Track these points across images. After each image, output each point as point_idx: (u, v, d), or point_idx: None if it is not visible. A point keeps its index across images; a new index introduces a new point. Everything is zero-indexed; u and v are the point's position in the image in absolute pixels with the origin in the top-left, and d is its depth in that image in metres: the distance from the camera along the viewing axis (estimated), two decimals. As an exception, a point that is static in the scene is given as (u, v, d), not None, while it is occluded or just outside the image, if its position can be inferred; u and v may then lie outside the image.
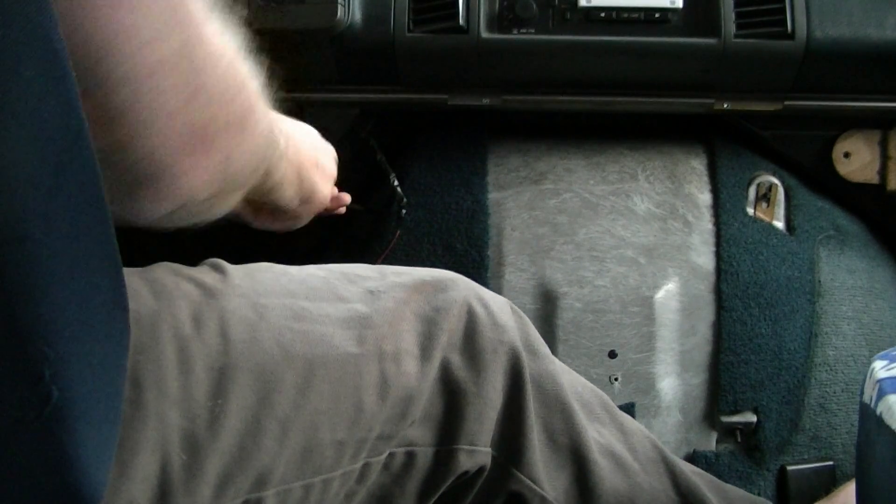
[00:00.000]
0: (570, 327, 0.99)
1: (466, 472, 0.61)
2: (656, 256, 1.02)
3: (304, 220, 0.67)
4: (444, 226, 1.05)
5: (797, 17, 0.92)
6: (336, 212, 0.76)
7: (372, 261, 1.03)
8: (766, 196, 1.07)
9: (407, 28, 0.95)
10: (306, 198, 0.62)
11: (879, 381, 0.52)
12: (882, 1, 0.93)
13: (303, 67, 0.98)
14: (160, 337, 0.47)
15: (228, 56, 0.41)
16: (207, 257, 0.57)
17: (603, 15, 0.94)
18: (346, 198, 0.75)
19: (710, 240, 1.03)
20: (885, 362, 0.54)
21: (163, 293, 0.50)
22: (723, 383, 0.97)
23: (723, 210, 1.04)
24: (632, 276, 1.00)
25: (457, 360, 0.60)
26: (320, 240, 1.12)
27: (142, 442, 0.44)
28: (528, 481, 0.64)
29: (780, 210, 1.08)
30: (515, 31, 0.95)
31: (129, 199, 0.39)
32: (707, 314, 1.00)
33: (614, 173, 1.08)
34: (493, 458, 0.63)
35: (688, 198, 1.06)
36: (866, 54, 0.93)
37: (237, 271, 0.55)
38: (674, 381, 0.98)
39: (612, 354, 0.98)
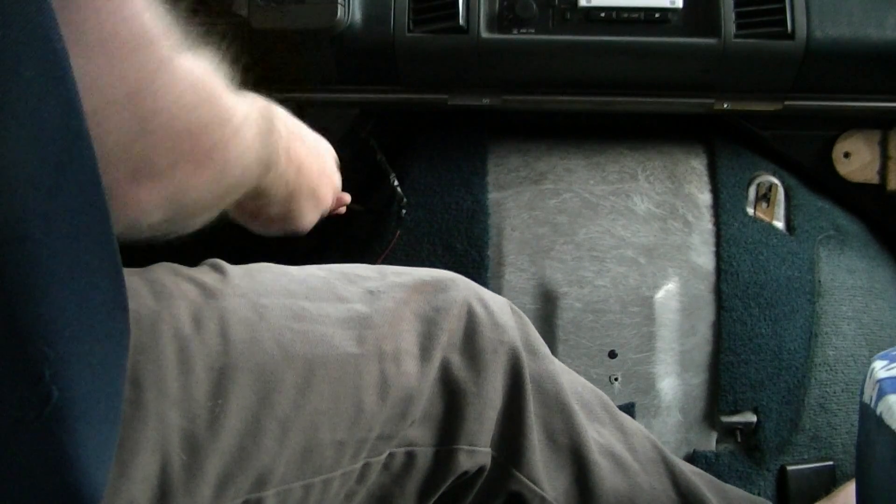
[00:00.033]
0: (570, 327, 0.99)
1: (466, 473, 0.61)
2: (656, 256, 1.02)
3: (307, 228, 0.67)
4: (444, 226, 1.05)
5: (797, 17, 0.92)
6: (336, 212, 0.76)
7: (372, 261, 1.03)
8: (766, 196, 1.07)
9: (407, 28, 0.95)
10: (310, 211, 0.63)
11: (879, 381, 0.52)
12: (882, 1, 0.93)
13: (303, 67, 0.98)
14: (160, 337, 0.47)
15: (190, 99, 0.40)
16: (207, 257, 0.57)
17: (603, 15, 0.94)
18: (347, 198, 0.75)
19: (710, 240, 1.03)
20: (885, 362, 0.54)
21: (163, 293, 0.50)
22: (723, 383, 0.97)
23: (723, 210, 1.04)
24: (632, 276, 1.00)
25: (457, 361, 0.60)
26: (320, 240, 1.12)
27: (142, 442, 0.44)
28: (528, 482, 0.64)
29: (780, 210, 1.08)
30: (515, 31, 0.95)
31: None
32: (707, 314, 1.00)
33: (614, 173, 1.08)
34: (493, 458, 0.63)
35: (688, 198, 1.06)
36: (866, 54, 0.93)
37: (237, 271, 0.55)
38: (674, 381, 0.98)
39: (612, 354, 0.98)
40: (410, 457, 0.58)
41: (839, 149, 1.06)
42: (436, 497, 0.61)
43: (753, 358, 0.97)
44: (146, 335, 0.47)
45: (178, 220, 0.44)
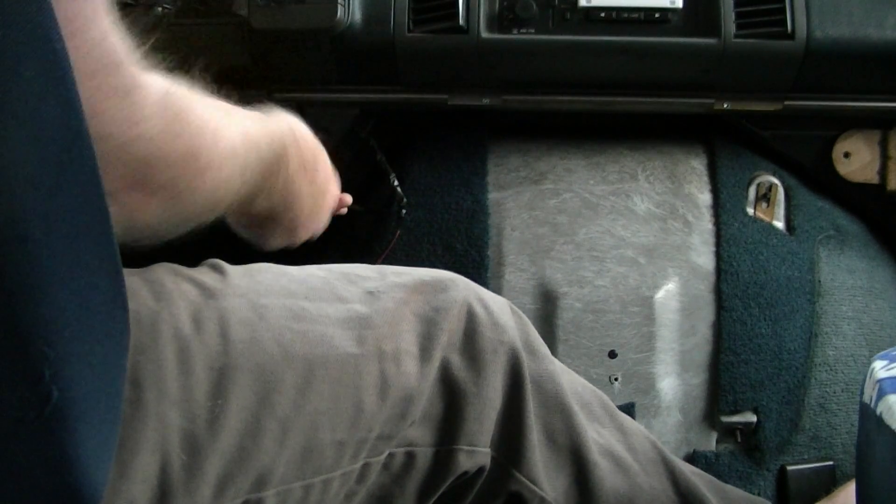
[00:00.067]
0: (570, 327, 0.99)
1: (466, 473, 0.61)
2: (656, 256, 1.02)
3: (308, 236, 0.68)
4: (444, 226, 1.05)
5: (797, 17, 0.92)
6: (337, 212, 0.76)
7: (372, 261, 1.03)
8: (766, 196, 1.07)
9: (407, 28, 0.95)
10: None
11: (879, 381, 0.52)
12: (882, 1, 0.93)
13: (303, 67, 0.98)
14: (160, 337, 0.47)
15: (162, 118, 0.41)
16: (207, 258, 0.57)
17: (603, 15, 0.94)
18: (347, 198, 0.75)
19: (710, 240, 1.03)
20: (885, 362, 0.54)
21: (162, 294, 0.50)
22: (723, 383, 0.97)
23: (723, 210, 1.04)
24: (632, 276, 1.00)
25: (456, 361, 0.60)
26: (320, 240, 1.12)
27: (142, 442, 0.44)
28: (528, 482, 0.64)
29: (780, 210, 1.08)
30: (515, 31, 0.95)
31: None
32: (707, 314, 1.00)
33: (614, 173, 1.08)
34: (493, 458, 0.63)
35: (688, 198, 1.06)
36: (866, 54, 0.93)
37: (237, 272, 0.55)
38: (674, 381, 0.98)
39: (612, 354, 0.98)
40: (410, 457, 0.58)
41: (839, 149, 1.06)
42: (436, 497, 0.61)
43: (753, 358, 0.97)
44: (146, 335, 0.47)
45: (181, 224, 0.46)
